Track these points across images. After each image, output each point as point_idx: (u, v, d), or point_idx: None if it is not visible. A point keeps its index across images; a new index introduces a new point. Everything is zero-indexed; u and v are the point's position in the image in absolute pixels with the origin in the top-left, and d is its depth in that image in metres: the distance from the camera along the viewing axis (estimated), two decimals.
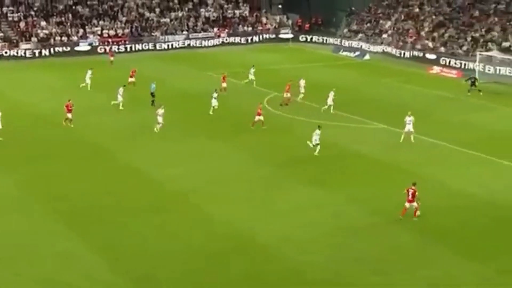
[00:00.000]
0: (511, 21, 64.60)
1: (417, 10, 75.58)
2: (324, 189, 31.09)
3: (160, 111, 39.19)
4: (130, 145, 37.80)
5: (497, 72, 56.89)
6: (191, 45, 77.97)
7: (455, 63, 62.83)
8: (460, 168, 33.71)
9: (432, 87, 50.60)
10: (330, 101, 44.72)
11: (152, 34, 77.37)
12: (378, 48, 72.92)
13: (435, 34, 69.65)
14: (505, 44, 61.53)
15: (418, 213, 27.49)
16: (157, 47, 75.29)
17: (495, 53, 58.93)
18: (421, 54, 67.43)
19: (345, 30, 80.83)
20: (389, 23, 76.48)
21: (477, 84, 51.73)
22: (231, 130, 40.68)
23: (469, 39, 65.61)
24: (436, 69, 63.00)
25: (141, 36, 76.70)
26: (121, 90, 45.21)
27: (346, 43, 77.20)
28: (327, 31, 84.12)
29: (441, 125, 41.71)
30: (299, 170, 33.94)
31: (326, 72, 60.91)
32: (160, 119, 39.09)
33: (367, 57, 71.18)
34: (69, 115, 40.35)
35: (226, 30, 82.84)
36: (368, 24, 79.11)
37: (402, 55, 69.01)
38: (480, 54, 58.88)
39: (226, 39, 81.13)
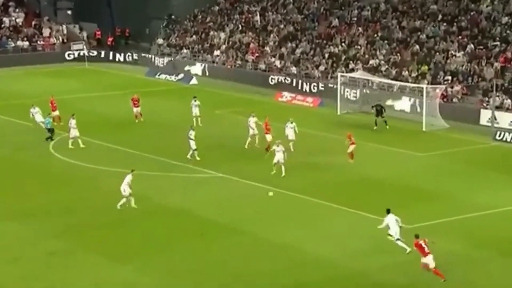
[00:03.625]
0: (379, 33, 69.60)
1: (258, 18, 79.07)
2: (131, 264, 31.72)
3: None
4: None
5: (364, 98, 60.75)
6: None
7: (311, 88, 66.39)
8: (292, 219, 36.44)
9: (281, 119, 52.91)
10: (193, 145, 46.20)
11: None
12: (209, 69, 75.18)
13: (284, 50, 73.14)
14: (373, 62, 66.03)
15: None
16: None
17: (360, 74, 62.92)
18: (266, 76, 70.38)
19: (163, 45, 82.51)
20: (222, 36, 79.18)
21: (384, 114, 54.90)
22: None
23: (327, 55, 69.65)
24: (286, 95, 66.08)
25: None
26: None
27: (164, 62, 78.81)
28: (139, 46, 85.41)
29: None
30: (100, 239, 34.42)
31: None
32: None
33: (193, 81, 73.07)
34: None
35: None
36: (194, 37, 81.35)
37: (241, 78, 71.57)
38: (342, 76, 62.68)
39: None
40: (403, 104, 59.70)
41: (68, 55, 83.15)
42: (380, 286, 30.11)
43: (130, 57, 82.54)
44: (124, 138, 51.55)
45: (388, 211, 32.91)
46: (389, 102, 58.67)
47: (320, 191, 40.69)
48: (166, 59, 79.25)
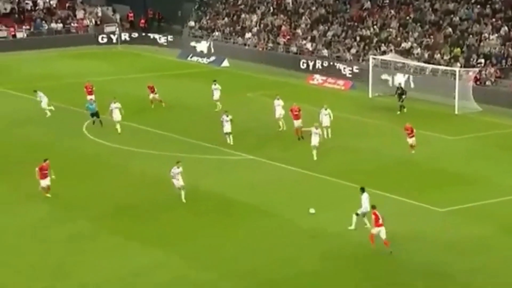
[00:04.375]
0: (412, 15, 68.85)
1: (290, 0, 78.46)
2: (159, 248, 31.57)
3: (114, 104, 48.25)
4: None
5: (395, 81, 60.19)
6: None
7: (342, 71, 65.86)
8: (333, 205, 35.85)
9: (313, 102, 52.65)
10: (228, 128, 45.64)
11: None
12: (241, 51, 74.91)
13: (315, 33, 72.69)
14: (405, 45, 65.40)
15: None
16: None
17: (392, 56, 62.38)
18: (297, 59, 70.04)
19: (195, 28, 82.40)
20: (254, 18, 78.88)
21: (404, 97, 54.49)
22: (32, 166, 40.36)
23: (358, 38, 69.12)
24: (317, 78, 65.68)
25: None
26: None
27: (196, 44, 78.77)
28: (171, 28, 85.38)
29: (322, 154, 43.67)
30: (127, 223, 34.33)
31: (167, 86, 61.79)
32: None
33: (225, 63, 72.93)
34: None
35: (25, 28, 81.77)
36: (226, 20, 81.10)
37: (273, 61, 71.34)
38: (373, 59, 62.18)
39: (25, 41, 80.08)
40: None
41: (101, 37, 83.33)
42: (403, 267, 29.76)
43: (162, 39, 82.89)
44: (155, 120, 51.50)
45: (363, 190, 33.17)
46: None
47: (352, 174, 40.22)
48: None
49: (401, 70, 60.61)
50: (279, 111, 48.69)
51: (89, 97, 52.94)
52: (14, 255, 31.36)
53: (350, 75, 65.02)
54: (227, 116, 45.59)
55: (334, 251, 31.34)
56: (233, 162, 43.18)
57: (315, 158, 42.58)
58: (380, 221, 30.75)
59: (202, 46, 77.42)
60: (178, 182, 36.32)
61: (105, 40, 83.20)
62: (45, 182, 36.92)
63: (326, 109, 46.93)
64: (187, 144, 46.13)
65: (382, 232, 30.70)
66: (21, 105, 55.09)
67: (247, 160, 43.42)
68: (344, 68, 65.87)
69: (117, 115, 48.35)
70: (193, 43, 78.40)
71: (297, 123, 46.30)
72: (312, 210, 34.93)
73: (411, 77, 59.47)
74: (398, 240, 31.91)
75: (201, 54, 76.58)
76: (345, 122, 50.58)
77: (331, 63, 67.06)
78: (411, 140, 44.07)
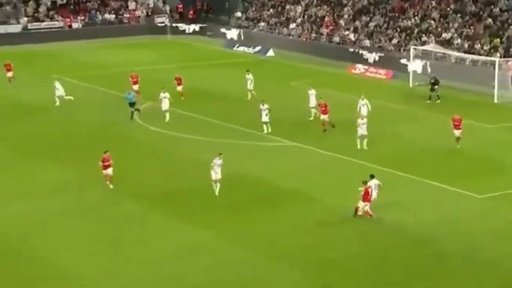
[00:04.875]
0: (452, 6, 68.50)
1: None
2: (207, 229, 31.96)
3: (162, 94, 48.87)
4: None
5: (435, 71, 60.03)
6: (30, 38, 77.68)
7: (384, 60, 65.89)
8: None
9: (355, 91, 52.74)
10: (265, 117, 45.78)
11: None
12: (285, 41, 75.20)
13: (357, 24, 72.71)
14: (445, 36, 65.16)
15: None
16: None
17: (432, 47, 62.27)
18: (340, 49, 70.18)
19: (242, 18, 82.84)
20: (298, 9, 79.09)
21: (438, 88, 54.18)
22: (86, 151, 41.21)
23: (400, 29, 68.96)
24: (359, 68, 65.83)
25: None
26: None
27: (243, 35, 79.26)
28: (218, 19, 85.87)
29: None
30: (178, 204, 34.75)
31: (213, 75, 62.25)
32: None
33: (270, 53, 73.33)
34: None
35: (80, 19, 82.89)
36: (271, 11, 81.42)
37: (316, 51, 71.53)
38: (414, 49, 62.10)
39: (80, 31, 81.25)
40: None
41: (153, 27, 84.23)
42: (442, 254, 29.75)
43: (211, 31, 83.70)
44: (201, 107, 51.89)
45: (372, 176, 33.53)
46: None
47: (392, 161, 40.34)
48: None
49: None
50: (313, 101, 48.87)
51: (134, 87, 53.34)
52: (72, 232, 31.97)
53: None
54: (263, 105, 45.89)
55: (370, 234, 31.57)
56: (276, 148, 43.52)
57: (358, 147, 42.66)
58: (369, 197, 32.16)
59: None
60: (216, 175, 35.98)
61: (157, 30, 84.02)
62: (107, 172, 37.21)
63: (363, 99, 47.01)
64: (231, 130, 46.53)
65: (367, 206, 32.16)
66: (73, 92, 55.57)
67: (291, 147, 43.73)
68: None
69: (165, 104, 48.78)
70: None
71: (323, 117, 46.41)
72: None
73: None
74: (439, 226, 32.08)
75: (247, 44, 77.05)
76: (386, 110, 50.73)
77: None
78: (457, 132, 43.21)
